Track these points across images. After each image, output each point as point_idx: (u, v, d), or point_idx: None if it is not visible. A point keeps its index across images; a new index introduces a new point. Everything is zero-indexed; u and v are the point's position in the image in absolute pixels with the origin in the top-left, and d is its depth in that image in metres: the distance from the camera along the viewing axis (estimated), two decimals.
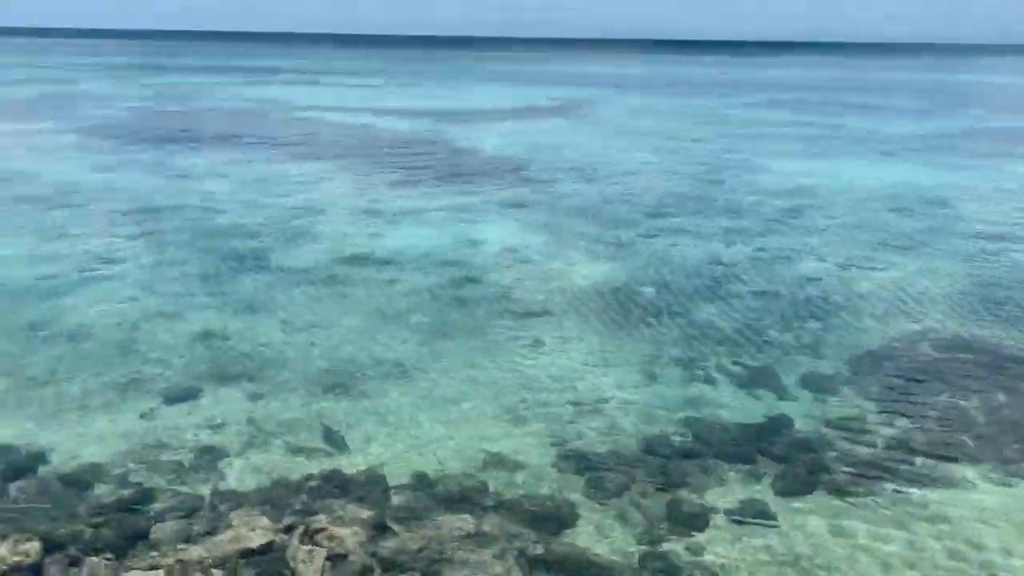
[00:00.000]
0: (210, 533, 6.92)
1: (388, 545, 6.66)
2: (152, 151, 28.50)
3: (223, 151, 28.93)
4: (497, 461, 8.46)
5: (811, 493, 8.04)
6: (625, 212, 20.46)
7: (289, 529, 6.88)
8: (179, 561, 6.33)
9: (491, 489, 7.92)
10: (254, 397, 9.98)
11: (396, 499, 7.61)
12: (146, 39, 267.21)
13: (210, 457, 8.45)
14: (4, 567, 6.21)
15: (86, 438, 8.82)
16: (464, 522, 7.15)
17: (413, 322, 12.56)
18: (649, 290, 14.34)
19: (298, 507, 7.40)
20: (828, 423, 9.54)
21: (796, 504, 7.86)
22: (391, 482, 7.95)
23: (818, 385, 10.59)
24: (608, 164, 27.91)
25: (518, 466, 8.40)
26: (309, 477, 8.07)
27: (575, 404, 9.93)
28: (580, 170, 26.59)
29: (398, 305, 13.32)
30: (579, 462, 8.51)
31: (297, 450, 8.72)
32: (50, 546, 6.60)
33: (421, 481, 7.99)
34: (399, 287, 14.27)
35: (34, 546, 6.50)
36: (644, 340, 12.05)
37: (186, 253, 15.90)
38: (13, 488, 7.67)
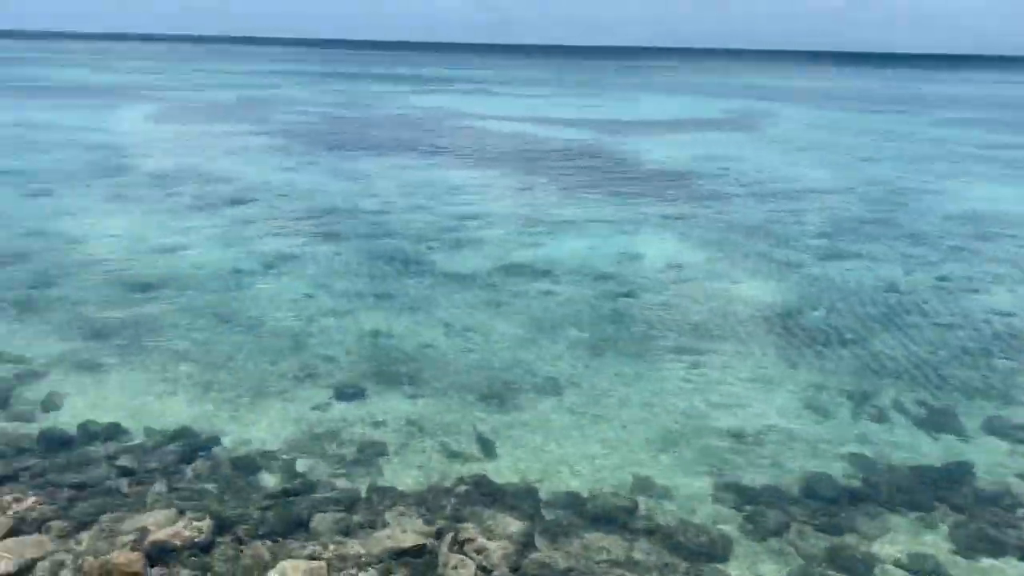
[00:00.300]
0: (367, 528, 7.16)
1: (535, 561, 6.64)
2: (333, 155, 30.12)
3: (397, 157, 30.14)
4: (649, 485, 8.27)
5: (995, 551, 7.34)
6: (796, 232, 19.59)
7: (440, 534, 7.00)
8: (338, 555, 6.59)
9: (641, 513, 7.74)
10: (414, 398, 10.27)
11: (545, 513, 7.59)
12: (340, 48, 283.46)
13: (371, 453, 8.75)
14: (179, 542, 6.67)
15: (259, 425, 9.38)
16: (613, 544, 7.04)
17: (570, 335, 12.54)
18: (819, 316, 13.64)
19: (449, 511, 7.52)
20: (1018, 474, 8.69)
21: (976, 562, 7.20)
22: (541, 496, 7.94)
23: (1006, 431, 9.69)
24: (780, 181, 26.87)
25: (670, 492, 8.17)
26: (461, 482, 8.19)
27: (734, 432, 9.56)
28: (750, 186, 25.74)
29: (555, 316, 13.35)
30: (736, 494, 8.18)
31: (452, 454, 8.88)
32: (220, 525, 7.04)
33: (571, 498, 7.93)
34: (557, 298, 14.30)
35: (207, 524, 6.94)
36: (812, 369, 11.45)
37: (358, 254, 16.64)
38: (190, 467, 8.25)
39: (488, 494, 7.89)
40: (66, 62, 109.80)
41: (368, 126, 40.67)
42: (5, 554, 6.39)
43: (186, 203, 20.96)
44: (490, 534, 6.95)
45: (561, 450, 8.97)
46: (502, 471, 8.45)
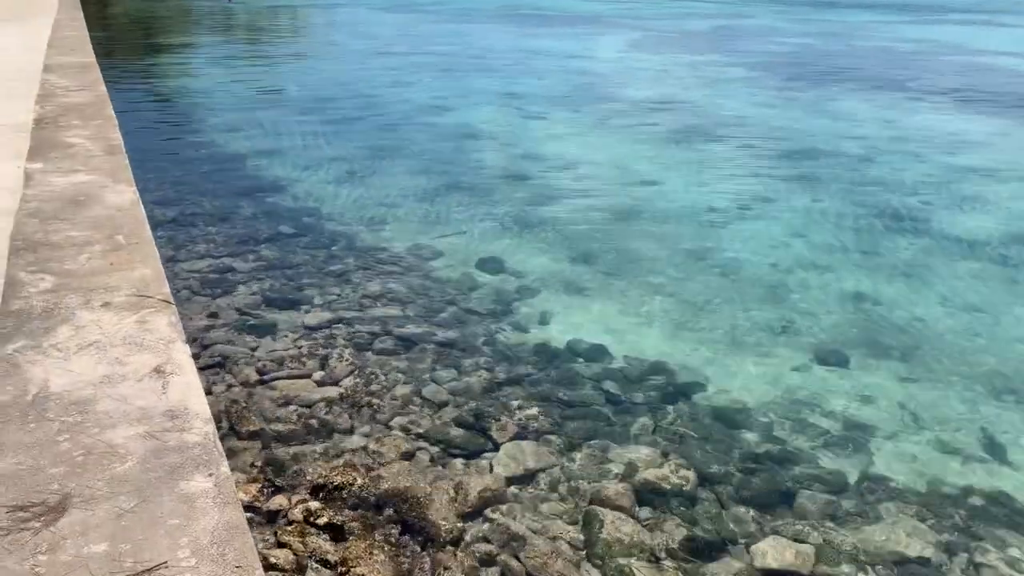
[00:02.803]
0: (857, 518, 6.48)
1: None
2: (811, 90, 28.33)
3: (883, 96, 27.34)
4: None
5: None
6: None
7: (949, 549, 6.05)
8: (828, 543, 6.03)
9: None
10: (904, 379, 9.12)
11: None
12: None
13: (859, 434, 7.94)
14: (666, 486, 6.65)
15: (736, 376, 9.06)
16: None
17: None
18: None
19: (958, 523, 6.48)
20: None
21: None
22: None
23: None
24: None
25: None
26: (968, 491, 7.04)
27: None
28: None
29: None
30: None
31: (953, 453, 7.70)
32: (702, 478, 6.89)
33: None
34: None
35: (692, 474, 6.85)
36: None
37: (839, 203, 15.36)
38: (672, 408, 8.23)
39: (1009, 514, 6.64)
40: None
41: (851, 60, 37.52)
42: (512, 457, 6.96)
43: (662, 134, 21.27)
44: (1016, 567, 5.81)
45: None
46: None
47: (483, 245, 13.03)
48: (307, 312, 10.07)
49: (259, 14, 66.77)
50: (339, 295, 10.68)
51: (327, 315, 9.94)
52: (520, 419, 7.65)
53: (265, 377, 8.22)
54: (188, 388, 4.81)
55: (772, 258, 12.58)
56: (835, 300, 11.10)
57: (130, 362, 5.12)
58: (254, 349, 8.95)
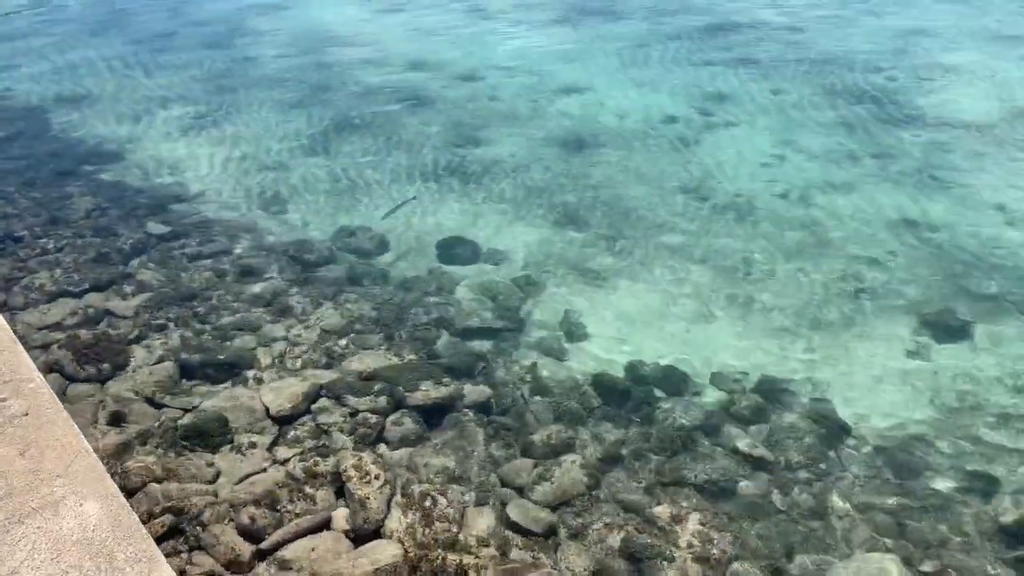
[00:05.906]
0: None
1: None
2: None
3: None
4: None
5: None
6: None
7: None
8: None
9: None
10: None
11: None
12: None
13: None
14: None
15: (862, 384, 7.00)
16: None
17: None
18: None
19: None
20: None
21: None
22: None
23: None
24: None
25: None
26: None
27: None
28: None
29: None
30: None
31: None
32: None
33: None
34: None
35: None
36: None
37: (804, 90, 13.30)
38: (844, 467, 6.07)
39: None
40: None
41: None
42: None
43: (533, 10, 18.27)
44: None
45: None
46: None
47: (430, 217, 10.05)
48: (260, 383, 6.95)
49: None
50: (288, 340, 7.57)
51: (294, 386, 6.83)
52: (690, 541, 5.24)
53: (264, 546, 5.25)
54: None
55: (779, 184, 10.49)
56: (888, 233, 9.23)
57: None
58: (212, 480, 5.86)
